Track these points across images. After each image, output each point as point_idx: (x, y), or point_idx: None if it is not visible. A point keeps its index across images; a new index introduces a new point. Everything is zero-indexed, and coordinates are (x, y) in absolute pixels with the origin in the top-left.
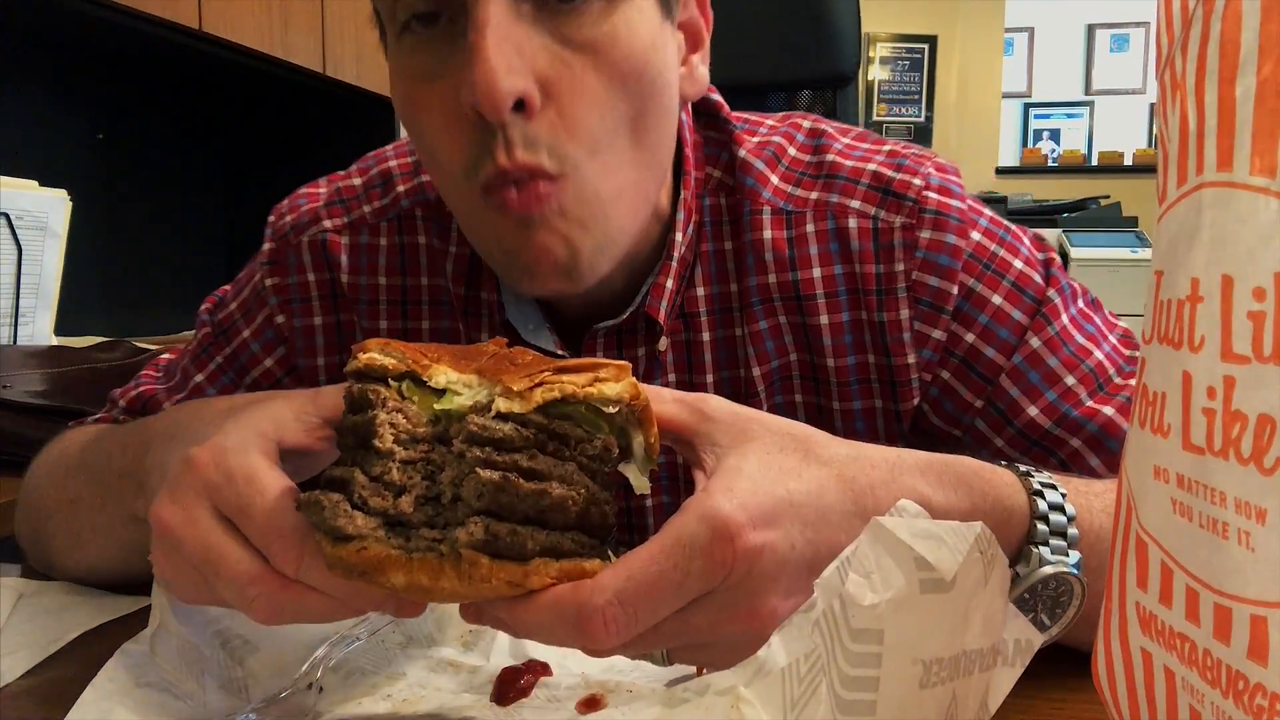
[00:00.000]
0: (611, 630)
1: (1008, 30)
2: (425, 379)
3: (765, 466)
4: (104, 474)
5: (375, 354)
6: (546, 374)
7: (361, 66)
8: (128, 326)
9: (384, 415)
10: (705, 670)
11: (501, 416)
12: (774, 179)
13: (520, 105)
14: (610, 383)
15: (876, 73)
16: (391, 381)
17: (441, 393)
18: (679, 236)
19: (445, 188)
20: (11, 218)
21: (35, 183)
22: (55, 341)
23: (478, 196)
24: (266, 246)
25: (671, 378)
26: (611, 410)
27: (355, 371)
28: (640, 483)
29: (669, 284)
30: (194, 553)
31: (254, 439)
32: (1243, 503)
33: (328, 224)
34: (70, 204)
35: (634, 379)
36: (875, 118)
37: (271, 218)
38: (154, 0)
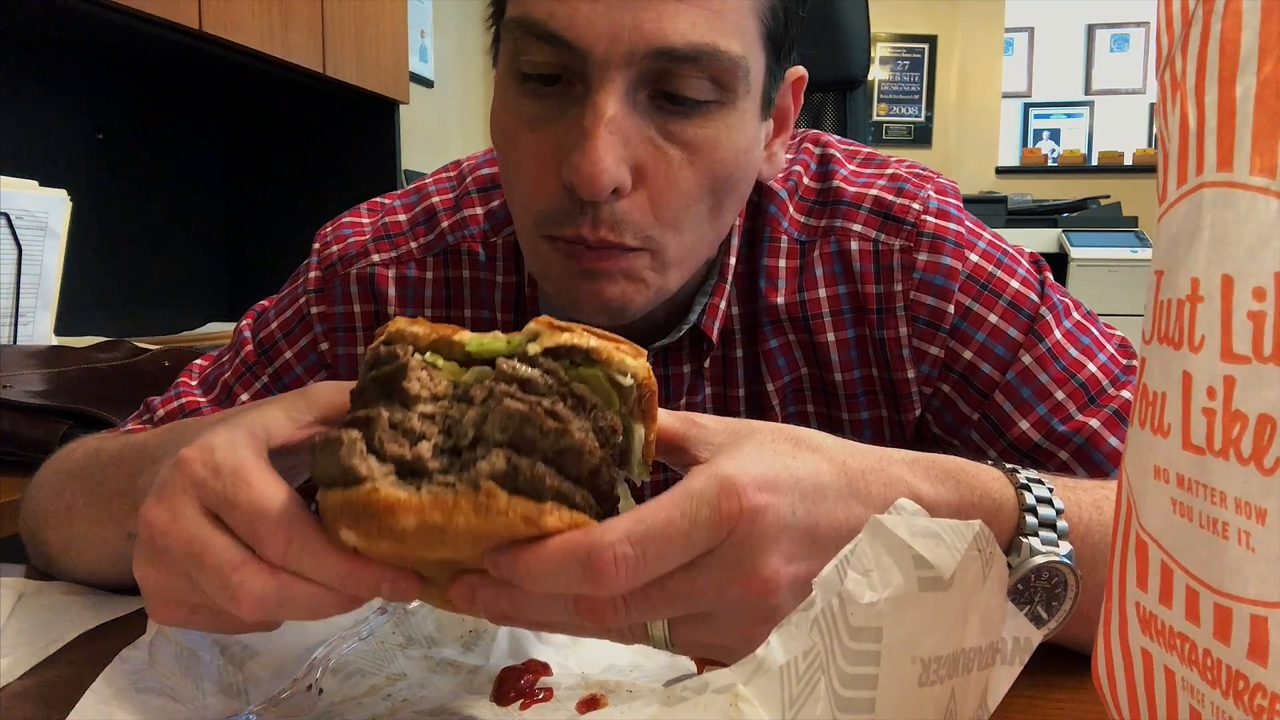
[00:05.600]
0: (621, 570)
1: (1008, 30)
2: (454, 340)
3: (763, 450)
4: (100, 488)
5: (403, 325)
6: (578, 328)
7: (361, 66)
8: (128, 326)
9: (414, 362)
10: (706, 668)
11: (529, 360)
12: (791, 208)
13: (615, 190)
14: (629, 357)
15: (876, 72)
16: (416, 352)
17: (466, 363)
18: (732, 260)
19: (516, 216)
20: (11, 218)
21: (35, 183)
22: (55, 341)
23: (542, 236)
24: (313, 274)
25: (709, 390)
26: (627, 382)
27: (384, 339)
28: (629, 504)
29: (721, 304)
30: (178, 548)
31: (242, 436)
32: (1243, 503)
33: (376, 258)
34: (70, 204)
35: (647, 364)
36: (875, 118)
37: (316, 244)
38: (154, 0)
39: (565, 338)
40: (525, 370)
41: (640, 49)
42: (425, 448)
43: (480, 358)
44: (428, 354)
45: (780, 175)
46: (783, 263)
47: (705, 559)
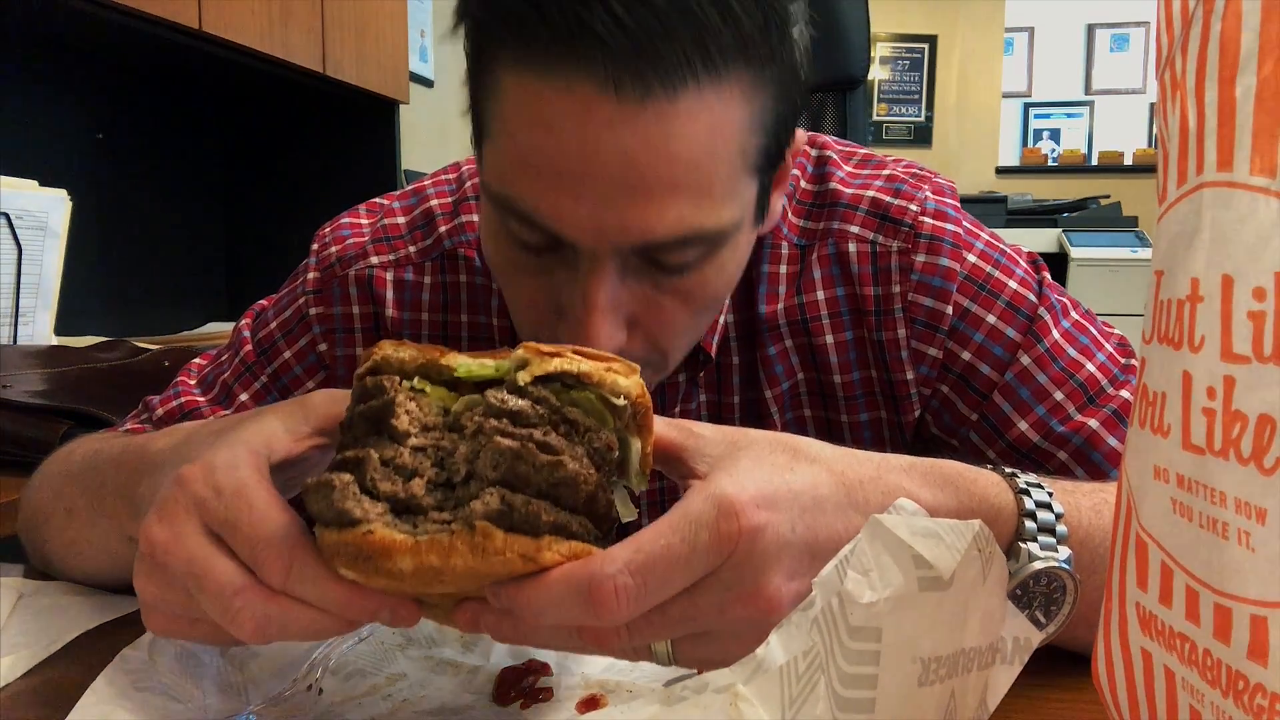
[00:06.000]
0: (622, 601)
1: (1008, 30)
2: (442, 364)
3: (760, 464)
4: (100, 490)
5: (389, 351)
6: (567, 351)
7: (361, 66)
8: (128, 326)
9: (401, 397)
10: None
11: (518, 391)
12: (789, 213)
13: None
14: (621, 377)
15: (876, 72)
16: (403, 380)
17: (454, 386)
18: None
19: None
20: (11, 218)
21: (35, 183)
22: (55, 341)
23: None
24: (311, 275)
25: (703, 397)
26: (620, 403)
27: (370, 368)
28: (627, 509)
29: (721, 319)
30: (179, 567)
31: (244, 455)
32: (1243, 503)
33: (374, 260)
34: (70, 204)
35: (641, 380)
36: (875, 118)
37: (315, 245)
38: (154, 0)
39: (555, 364)
40: (515, 402)
41: (628, 245)
42: (418, 485)
43: (470, 382)
44: (415, 380)
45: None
46: (783, 269)
47: (707, 581)
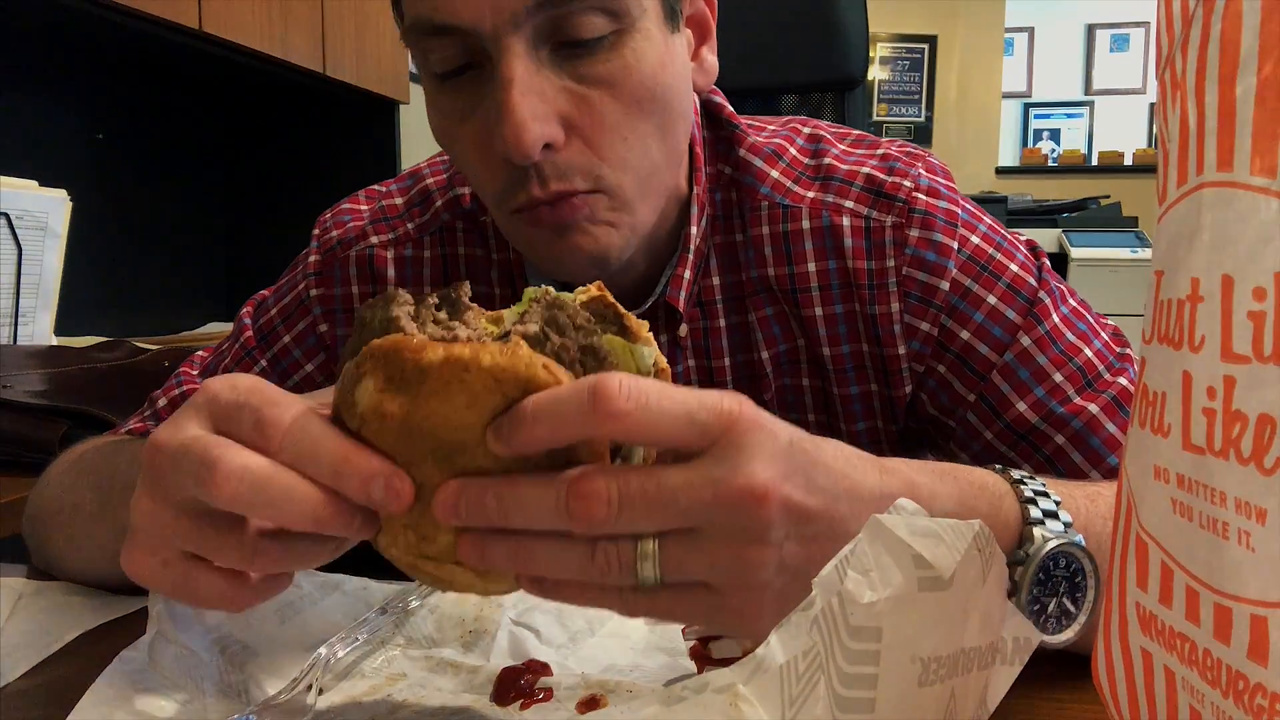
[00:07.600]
0: (624, 396)
1: (1008, 30)
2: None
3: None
4: (109, 484)
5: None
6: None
7: (361, 66)
8: (128, 326)
9: (466, 287)
10: (706, 667)
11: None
12: (773, 174)
13: (548, 146)
14: (652, 342)
15: (876, 72)
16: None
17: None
18: (694, 230)
19: (485, 203)
20: (11, 218)
21: (35, 183)
22: (55, 341)
23: (509, 214)
24: (313, 258)
25: (691, 362)
26: (644, 353)
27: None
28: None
29: (686, 274)
30: (170, 457)
31: (258, 376)
32: (1243, 503)
33: (374, 240)
34: (70, 204)
35: (663, 355)
36: (875, 118)
37: (316, 230)
38: (154, 0)
39: (608, 296)
40: (563, 298)
41: (521, 6)
42: (463, 333)
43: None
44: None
45: (757, 144)
46: (766, 229)
47: (700, 462)
